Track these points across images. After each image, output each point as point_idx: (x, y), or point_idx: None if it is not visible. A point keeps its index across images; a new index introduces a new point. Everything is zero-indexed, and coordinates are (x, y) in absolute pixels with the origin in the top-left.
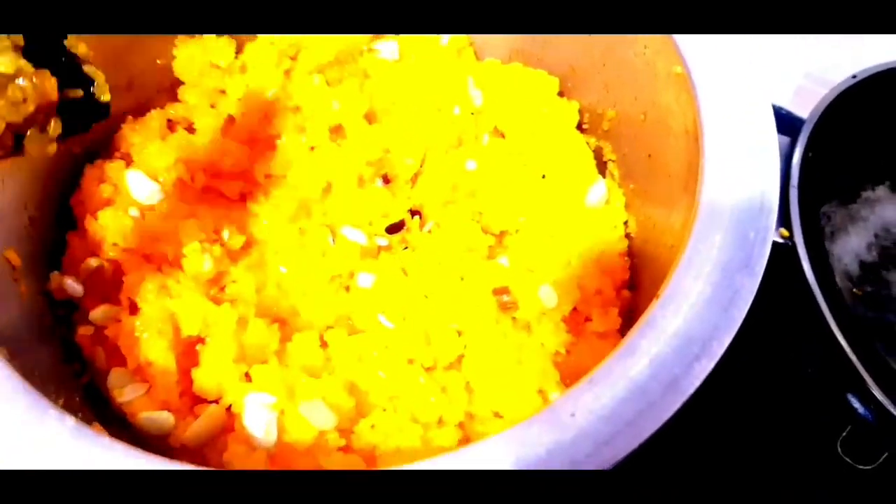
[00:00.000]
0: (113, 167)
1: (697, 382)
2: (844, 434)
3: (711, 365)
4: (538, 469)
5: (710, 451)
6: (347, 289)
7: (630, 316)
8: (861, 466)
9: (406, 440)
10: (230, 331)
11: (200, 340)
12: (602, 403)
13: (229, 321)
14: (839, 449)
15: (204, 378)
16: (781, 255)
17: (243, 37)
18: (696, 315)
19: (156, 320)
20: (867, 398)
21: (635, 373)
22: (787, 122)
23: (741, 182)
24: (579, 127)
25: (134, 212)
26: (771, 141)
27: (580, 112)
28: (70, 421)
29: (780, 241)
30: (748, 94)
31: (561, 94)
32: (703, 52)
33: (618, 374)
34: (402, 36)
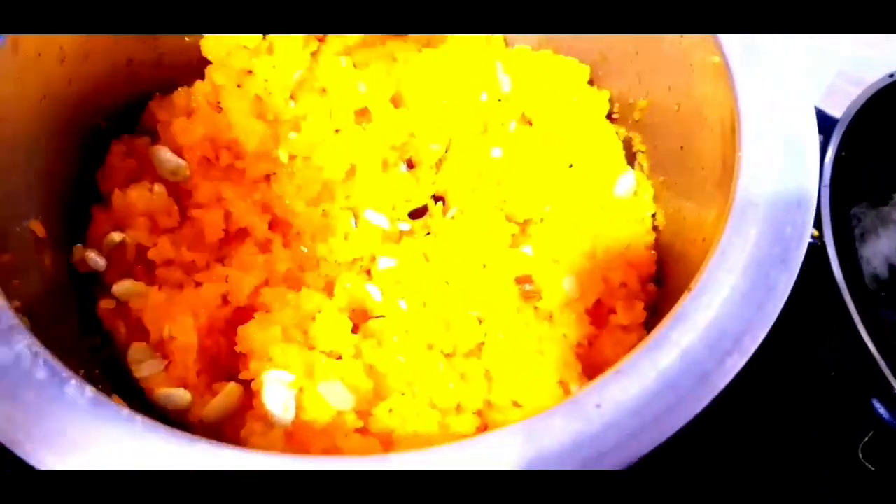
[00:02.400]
0: (140, 143)
1: (729, 378)
2: (866, 439)
3: (743, 361)
4: (560, 459)
5: (726, 450)
6: (369, 272)
7: (655, 311)
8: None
9: (423, 425)
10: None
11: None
12: (630, 395)
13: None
14: (860, 454)
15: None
16: (810, 255)
17: None
18: (729, 309)
19: (190, 296)
20: (893, 403)
21: (665, 366)
22: (819, 121)
23: (779, 177)
24: (609, 116)
25: (159, 188)
26: (810, 136)
27: (611, 101)
28: (89, 392)
29: (810, 240)
30: (788, 88)
31: (591, 82)
32: (742, 42)
33: (646, 367)
34: None
